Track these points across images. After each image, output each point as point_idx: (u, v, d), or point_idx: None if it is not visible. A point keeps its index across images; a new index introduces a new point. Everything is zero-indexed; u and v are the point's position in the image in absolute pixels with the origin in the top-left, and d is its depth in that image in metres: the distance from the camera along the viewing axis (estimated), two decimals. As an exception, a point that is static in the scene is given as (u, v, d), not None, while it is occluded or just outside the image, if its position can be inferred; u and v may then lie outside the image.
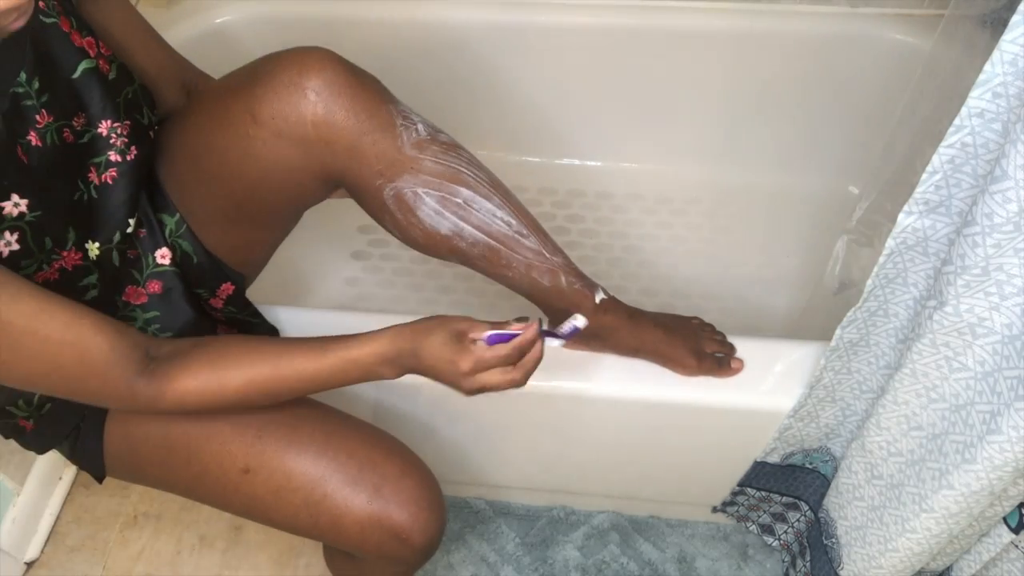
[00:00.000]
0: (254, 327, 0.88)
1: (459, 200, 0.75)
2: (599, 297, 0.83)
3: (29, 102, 0.65)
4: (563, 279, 0.81)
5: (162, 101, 0.83)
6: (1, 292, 0.58)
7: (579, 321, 0.73)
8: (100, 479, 0.82)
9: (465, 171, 0.76)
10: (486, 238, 0.77)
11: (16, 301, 0.59)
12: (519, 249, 0.78)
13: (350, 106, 0.71)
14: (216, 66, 0.92)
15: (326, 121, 0.70)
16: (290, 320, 0.92)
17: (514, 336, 0.68)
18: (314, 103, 0.70)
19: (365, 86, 0.72)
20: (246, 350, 0.70)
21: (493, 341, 0.68)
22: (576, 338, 0.88)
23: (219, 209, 0.79)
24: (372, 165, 0.73)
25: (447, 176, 0.75)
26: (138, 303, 0.78)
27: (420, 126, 0.74)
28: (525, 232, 0.78)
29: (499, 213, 0.77)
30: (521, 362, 0.69)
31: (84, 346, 0.62)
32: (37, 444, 0.79)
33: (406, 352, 0.69)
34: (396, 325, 0.71)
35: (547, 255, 0.80)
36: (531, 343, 0.68)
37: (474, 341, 0.68)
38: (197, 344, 0.71)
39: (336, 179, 0.76)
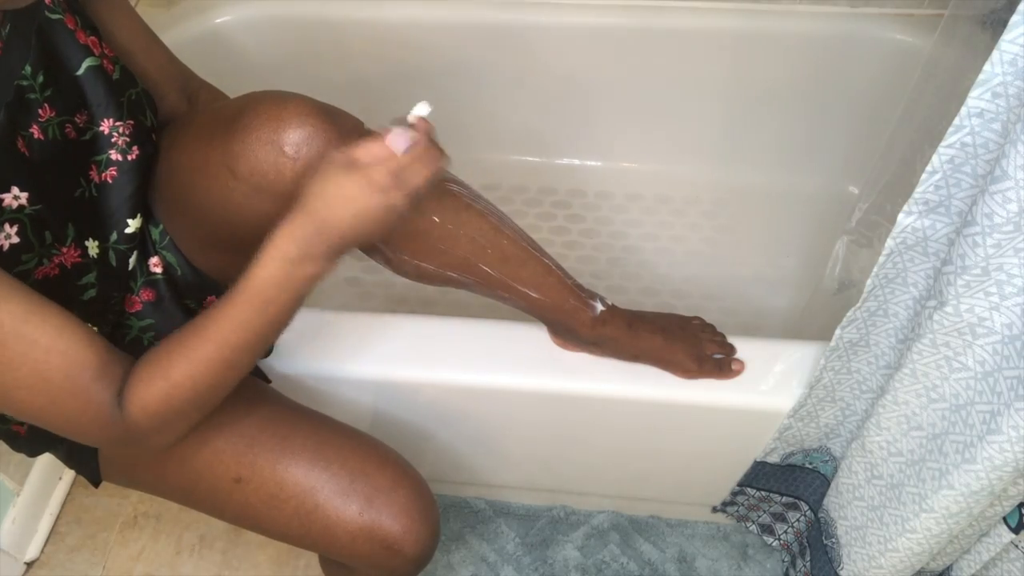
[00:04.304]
0: None
1: None
2: (598, 309, 0.83)
3: (33, 95, 0.65)
4: (559, 297, 0.82)
5: (163, 106, 0.83)
6: None
7: (422, 109, 0.63)
8: (96, 484, 0.81)
9: None
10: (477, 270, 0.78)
11: (5, 300, 0.56)
12: (512, 276, 0.78)
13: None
14: (216, 67, 0.92)
15: (306, 176, 0.66)
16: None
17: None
18: (293, 159, 0.67)
19: (345, 136, 0.69)
20: (177, 337, 0.65)
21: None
22: (575, 343, 0.88)
23: (203, 238, 0.78)
24: None
25: None
26: (132, 311, 0.78)
27: None
28: (520, 258, 0.79)
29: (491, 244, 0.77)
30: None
31: (73, 357, 0.59)
32: (29, 449, 0.78)
33: (306, 222, 0.61)
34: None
35: (541, 277, 0.80)
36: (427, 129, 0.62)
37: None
38: (143, 356, 0.66)
39: None
